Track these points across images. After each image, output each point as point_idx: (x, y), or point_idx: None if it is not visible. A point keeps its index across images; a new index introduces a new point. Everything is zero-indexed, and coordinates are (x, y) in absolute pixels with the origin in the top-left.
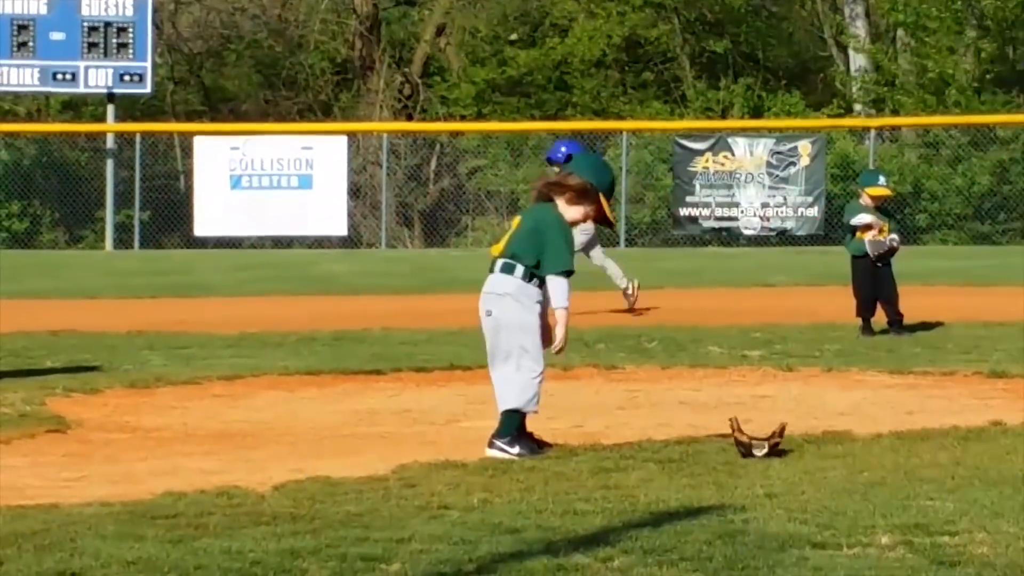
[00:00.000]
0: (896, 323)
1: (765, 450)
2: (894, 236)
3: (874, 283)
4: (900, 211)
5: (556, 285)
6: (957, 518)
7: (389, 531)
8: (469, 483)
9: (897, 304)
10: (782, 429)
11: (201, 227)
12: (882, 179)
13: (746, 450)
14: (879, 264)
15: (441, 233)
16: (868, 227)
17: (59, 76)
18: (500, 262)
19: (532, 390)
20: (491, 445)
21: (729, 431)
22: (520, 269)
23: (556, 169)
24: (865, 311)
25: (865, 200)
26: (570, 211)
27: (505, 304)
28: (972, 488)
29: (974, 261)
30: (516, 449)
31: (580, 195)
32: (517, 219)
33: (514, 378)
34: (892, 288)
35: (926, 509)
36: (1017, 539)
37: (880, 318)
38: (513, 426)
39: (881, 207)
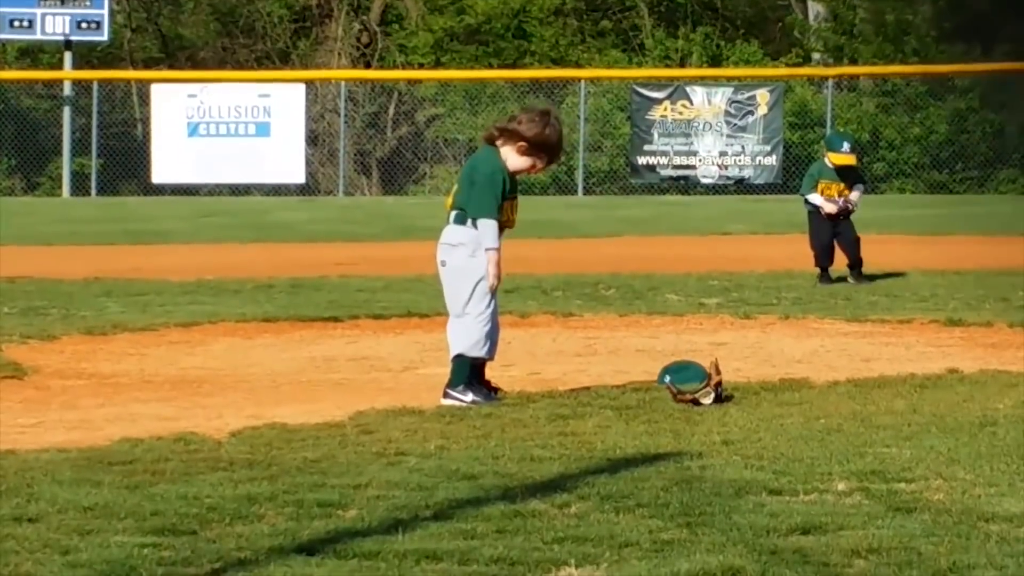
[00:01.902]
0: (856, 267)
1: (711, 396)
2: (855, 195)
3: (833, 232)
4: (859, 161)
5: (482, 227)
6: (913, 465)
7: (346, 477)
8: (426, 430)
9: (858, 249)
10: (717, 367)
11: (158, 175)
12: (846, 145)
13: (694, 401)
14: (837, 218)
15: (399, 181)
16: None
17: (16, 23)
18: (452, 213)
19: (475, 334)
20: (445, 395)
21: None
22: (470, 219)
23: None
24: (822, 260)
25: (828, 162)
26: (517, 160)
27: (457, 253)
28: (928, 435)
29: (931, 210)
30: (469, 397)
31: (533, 147)
32: (463, 169)
33: (458, 324)
34: (852, 234)
35: (882, 456)
36: (973, 486)
37: (839, 265)
38: (464, 374)
39: (845, 172)
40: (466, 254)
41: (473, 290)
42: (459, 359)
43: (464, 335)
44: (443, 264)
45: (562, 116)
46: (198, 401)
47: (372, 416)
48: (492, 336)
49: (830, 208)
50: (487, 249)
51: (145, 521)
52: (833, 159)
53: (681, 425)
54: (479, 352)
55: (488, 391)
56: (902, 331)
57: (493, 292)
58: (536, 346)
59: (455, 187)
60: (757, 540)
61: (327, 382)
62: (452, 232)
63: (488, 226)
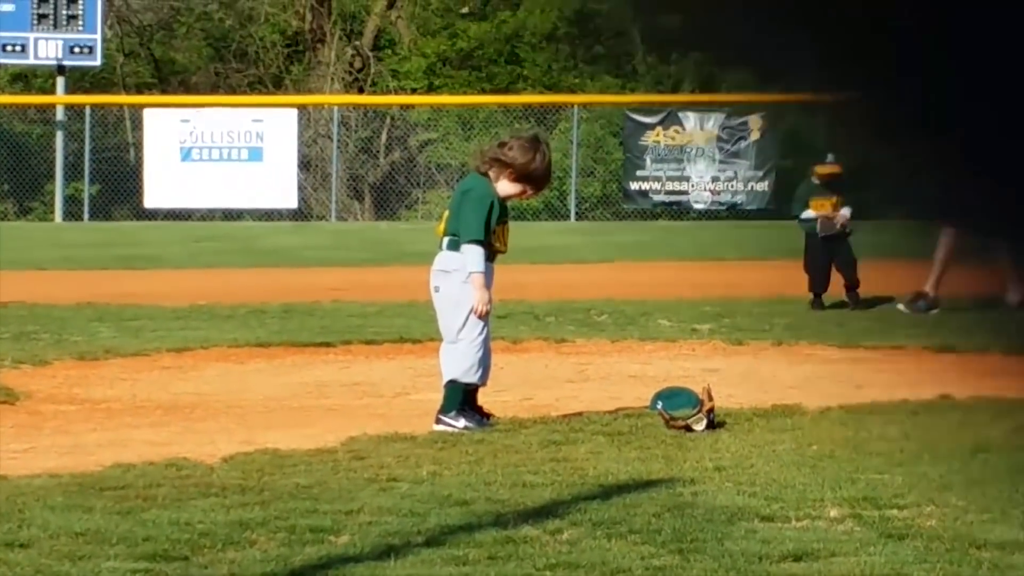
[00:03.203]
0: (853, 288)
1: (704, 422)
2: (845, 212)
3: (830, 254)
4: (850, 185)
5: (467, 251)
6: (905, 491)
7: (338, 503)
8: (418, 455)
9: (855, 271)
10: (709, 393)
11: (151, 199)
12: (830, 156)
13: (686, 428)
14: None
15: (391, 206)
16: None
17: (9, 48)
18: (445, 239)
19: (468, 360)
20: (438, 421)
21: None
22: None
23: None
24: (816, 286)
25: (816, 178)
26: (507, 186)
27: (451, 280)
28: (920, 462)
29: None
30: (462, 422)
31: (523, 174)
32: (454, 195)
33: (452, 350)
34: (850, 256)
35: (875, 482)
36: (965, 512)
37: (833, 291)
38: (456, 400)
39: (832, 183)
40: (460, 280)
41: (467, 317)
42: (452, 385)
43: (457, 361)
44: (436, 290)
45: (554, 141)
46: (190, 426)
47: (364, 442)
48: (484, 362)
49: (829, 231)
50: (471, 273)
51: (137, 547)
52: (819, 171)
53: (673, 451)
54: (472, 378)
55: (480, 417)
56: (895, 357)
57: (486, 318)
58: (528, 372)
59: (446, 213)
60: (749, 567)
61: (319, 407)
62: (446, 259)
63: (473, 251)
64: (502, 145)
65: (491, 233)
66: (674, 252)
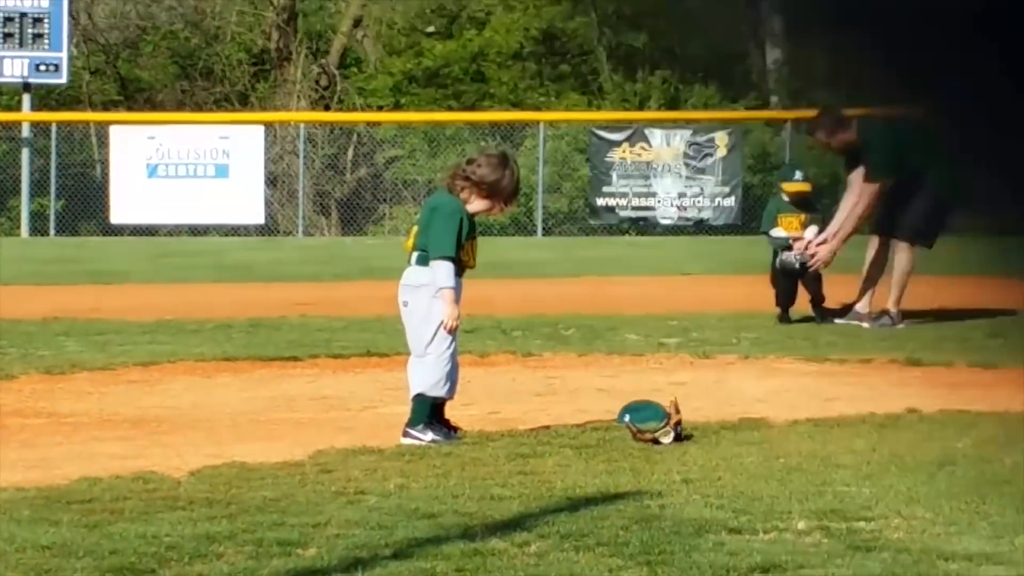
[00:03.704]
0: (818, 304)
1: (671, 435)
2: (811, 230)
3: (799, 271)
4: (820, 202)
5: (436, 267)
6: (873, 504)
7: (305, 516)
8: (385, 468)
9: (820, 286)
10: (676, 406)
11: (117, 215)
12: (798, 174)
13: (653, 441)
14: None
15: (358, 222)
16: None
17: None
18: (415, 254)
19: (436, 374)
20: (405, 434)
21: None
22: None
23: None
24: (784, 300)
25: (785, 195)
26: (477, 203)
27: (420, 294)
28: (888, 474)
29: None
30: (429, 436)
31: (492, 190)
32: (423, 211)
33: (419, 363)
34: (815, 272)
35: (842, 495)
36: (932, 524)
37: (800, 306)
38: (424, 413)
39: (801, 201)
40: (429, 295)
41: (436, 331)
42: (419, 398)
43: (425, 375)
44: (405, 304)
45: (520, 158)
46: (157, 440)
47: (332, 455)
48: (452, 376)
49: (790, 267)
50: (441, 288)
51: (104, 560)
52: (787, 188)
53: (641, 464)
54: (439, 392)
55: (447, 430)
56: (862, 371)
57: (454, 332)
58: (496, 385)
59: (414, 229)
60: None
61: (286, 421)
62: (414, 273)
63: (442, 266)
64: (471, 162)
65: (460, 248)
66: (641, 267)
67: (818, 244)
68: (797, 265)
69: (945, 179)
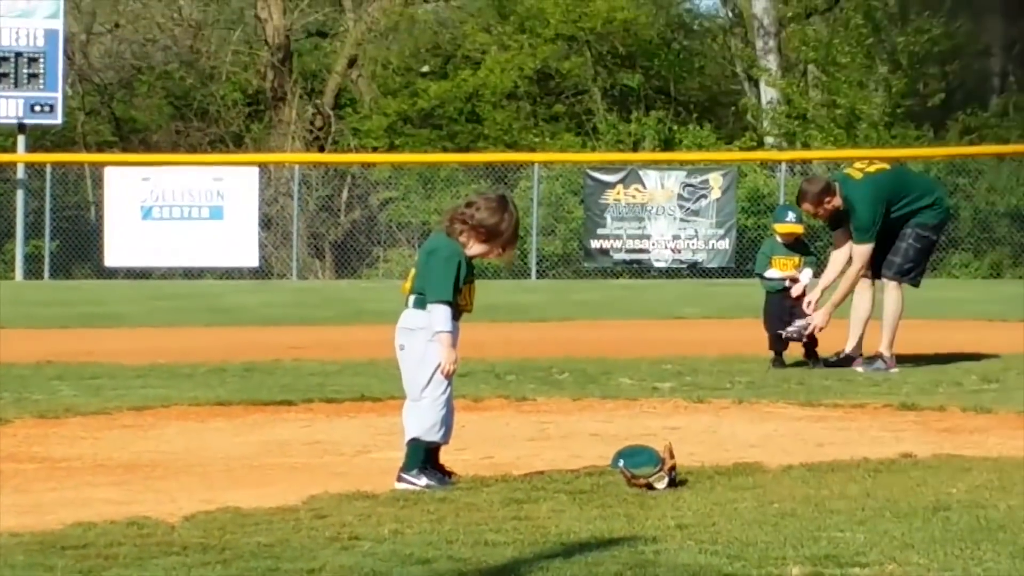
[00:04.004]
0: (811, 349)
1: (665, 480)
2: (806, 273)
3: (789, 313)
4: (814, 245)
5: (434, 311)
6: (867, 549)
7: (300, 562)
8: (380, 514)
9: (814, 331)
10: (671, 451)
11: (111, 258)
12: (791, 215)
13: (648, 486)
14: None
15: (352, 264)
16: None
17: None
18: (412, 297)
19: (431, 418)
20: (399, 479)
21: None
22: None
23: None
24: (777, 344)
25: (779, 237)
26: (476, 246)
27: (417, 338)
28: (882, 519)
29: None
30: (423, 481)
31: (492, 234)
32: (420, 254)
33: (415, 408)
34: (807, 315)
35: (836, 540)
36: (927, 571)
37: (793, 351)
38: (418, 458)
39: (794, 243)
40: (425, 339)
41: (432, 375)
42: (414, 443)
43: (420, 419)
44: (401, 348)
45: (515, 200)
46: (151, 485)
47: (326, 500)
48: (447, 421)
49: (794, 337)
50: (437, 332)
51: None
52: (779, 230)
53: (635, 509)
54: (434, 436)
55: (442, 475)
56: (855, 415)
57: (450, 377)
58: (489, 430)
59: (412, 272)
60: None
61: (281, 466)
62: (411, 316)
63: (440, 310)
64: (469, 205)
65: (458, 293)
66: (635, 310)
67: (813, 309)
68: (798, 336)
69: (929, 214)
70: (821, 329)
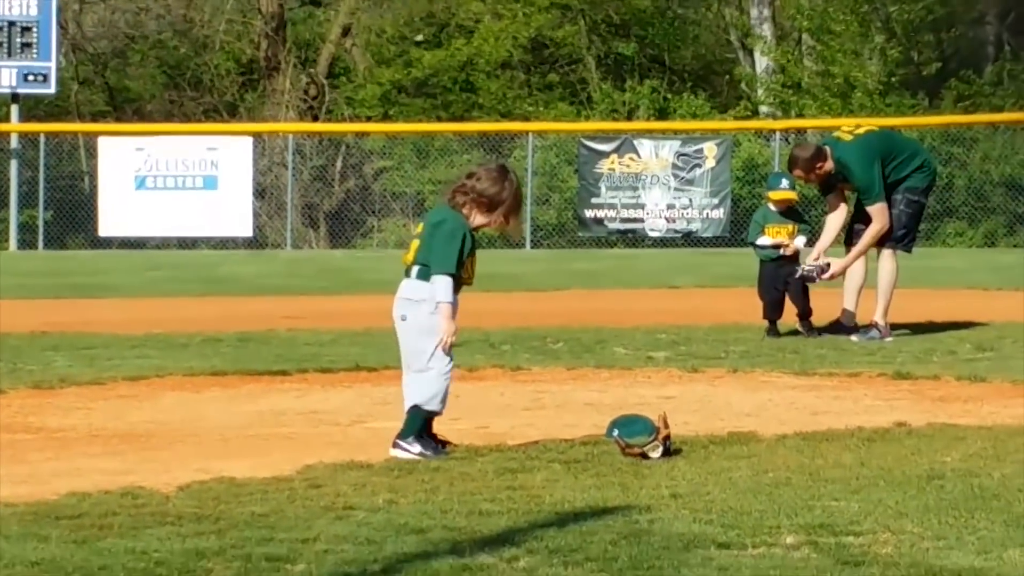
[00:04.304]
0: (805, 317)
1: (660, 449)
2: (799, 240)
3: (784, 282)
4: (807, 213)
5: (437, 282)
6: (861, 518)
7: (294, 531)
8: (374, 484)
9: (807, 300)
10: (665, 420)
11: (106, 228)
12: (784, 182)
13: (642, 455)
14: (795, 275)
15: (347, 234)
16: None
17: None
18: (415, 268)
19: (435, 388)
20: (395, 445)
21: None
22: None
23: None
24: (771, 313)
25: (772, 204)
26: (479, 217)
27: (421, 309)
28: (876, 488)
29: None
30: (417, 448)
31: (494, 203)
32: (421, 224)
33: (419, 378)
34: (801, 285)
35: (831, 509)
36: (921, 539)
37: (787, 319)
38: (415, 426)
39: (787, 210)
40: (428, 310)
41: (437, 346)
42: (414, 410)
43: (424, 388)
44: (403, 319)
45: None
46: (146, 455)
47: (320, 470)
48: (447, 392)
49: (811, 277)
50: (440, 303)
51: (93, 575)
52: (773, 197)
53: (629, 479)
54: (435, 406)
55: (436, 444)
56: (850, 384)
57: (448, 348)
58: (484, 400)
59: (415, 242)
60: None
61: (275, 436)
62: (414, 287)
63: (443, 281)
64: (470, 176)
65: (461, 266)
66: (629, 280)
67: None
68: (813, 276)
69: (918, 177)
70: (833, 277)
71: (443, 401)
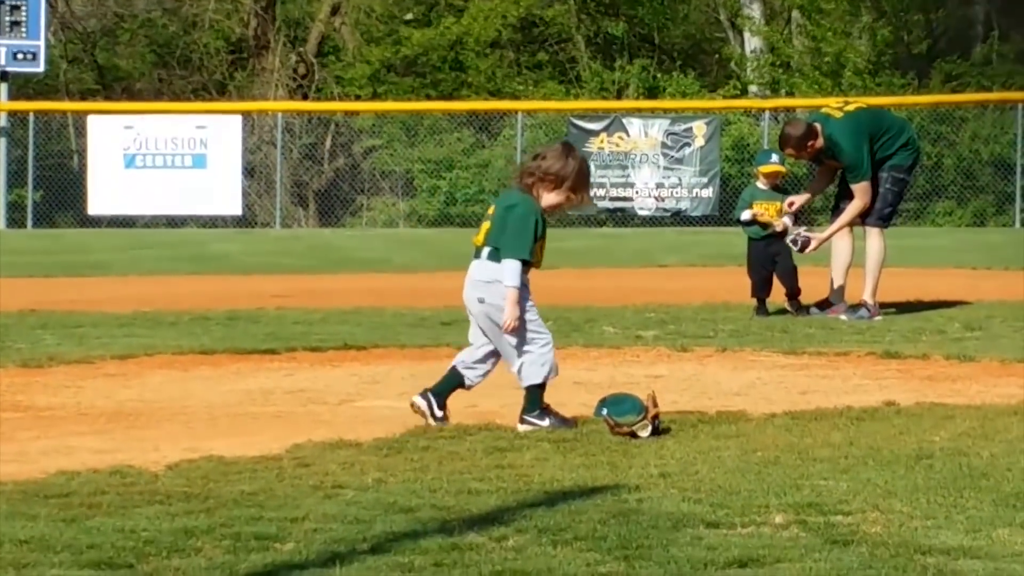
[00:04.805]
0: (793, 297)
1: (649, 429)
2: (787, 219)
3: (772, 261)
4: (797, 191)
5: (506, 266)
6: (850, 497)
7: (283, 510)
8: (363, 462)
9: (795, 279)
10: (654, 399)
11: (95, 206)
12: (775, 157)
13: (631, 434)
14: (784, 243)
15: (336, 213)
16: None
17: None
18: (485, 250)
19: (548, 360)
20: (522, 421)
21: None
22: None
23: None
24: (759, 291)
25: (761, 181)
26: (549, 197)
27: (495, 289)
28: (865, 468)
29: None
30: (547, 422)
31: (563, 182)
32: (492, 207)
33: (528, 356)
34: (789, 264)
35: (819, 488)
36: (910, 518)
37: (776, 298)
38: (539, 399)
39: (777, 186)
40: (503, 292)
41: (527, 323)
42: (534, 387)
43: (539, 365)
44: (481, 301)
45: (498, 148)
46: (134, 434)
47: (309, 449)
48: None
49: (801, 245)
50: (508, 287)
51: (82, 554)
52: (763, 171)
53: (618, 458)
54: (547, 374)
55: (563, 417)
56: (839, 363)
57: (510, 331)
58: None
59: (486, 224)
60: (695, 573)
61: (264, 415)
62: (487, 269)
63: (514, 266)
64: (536, 156)
65: (531, 251)
66: (618, 258)
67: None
68: (800, 245)
69: (903, 155)
70: (814, 249)
71: (553, 368)
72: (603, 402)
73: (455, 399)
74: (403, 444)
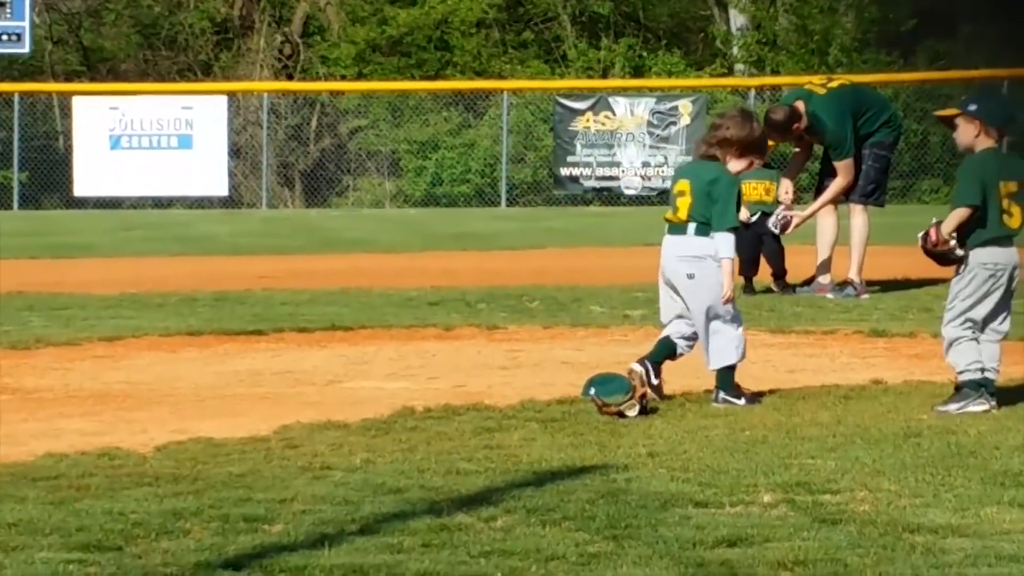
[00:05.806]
0: (780, 277)
1: (636, 408)
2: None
3: (759, 240)
4: (781, 169)
5: (722, 239)
6: (838, 476)
7: (271, 492)
8: (351, 443)
9: (782, 260)
10: (641, 378)
11: (81, 187)
12: None
13: (619, 414)
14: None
15: (322, 193)
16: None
17: None
18: (692, 225)
19: (742, 343)
20: (717, 399)
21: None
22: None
23: None
24: (747, 270)
25: None
26: (736, 163)
27: (706, 266)
28: (853, 446)
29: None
30: (742, 400)
31: (747, 147)
32: (684, 181)
33: (724, 337)
34: (776, 244)
35: (808, 467)
36: (898, 497)
37: (763, 277)
38: (732, 377)
39: (764, 165)
40: (715, 266)
41: (725, 301)
42: (724, 369)
43: (736, 346)
44: (690, 277)
45: (484, 128)
46: (122, 416)
47: (297, 430)
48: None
49: (781, 226)
50: (724, 258)
51: (71, 537)
52: None
53: (606, 437)
54: (740, 355)
55: (753, 395)
56: (826, 342)
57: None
58: (461, 359)
59: (686, 200)
60: (683, 553)
61: (252, 396)
62: (697, 244)
63: (728, 238)
64: (718, 127)
65: None
66: (605, 238)
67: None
68: (778, 229)
69: (885, 132)
70: (795, 227)
71: (744, 350)
72: (591, 382)
73: (442, 379)
74: (391, 425)
